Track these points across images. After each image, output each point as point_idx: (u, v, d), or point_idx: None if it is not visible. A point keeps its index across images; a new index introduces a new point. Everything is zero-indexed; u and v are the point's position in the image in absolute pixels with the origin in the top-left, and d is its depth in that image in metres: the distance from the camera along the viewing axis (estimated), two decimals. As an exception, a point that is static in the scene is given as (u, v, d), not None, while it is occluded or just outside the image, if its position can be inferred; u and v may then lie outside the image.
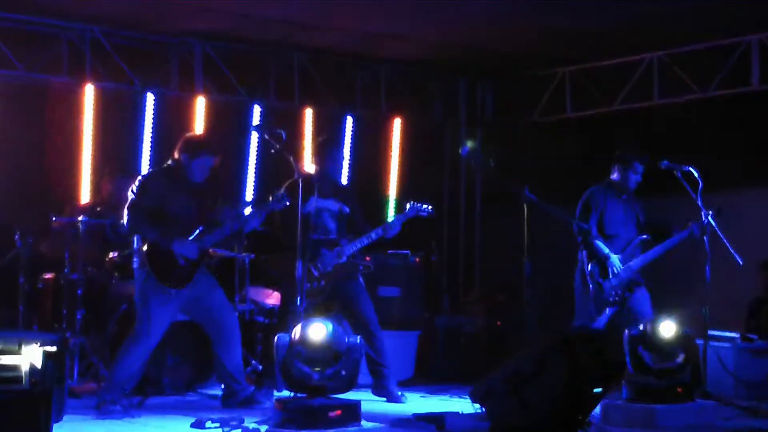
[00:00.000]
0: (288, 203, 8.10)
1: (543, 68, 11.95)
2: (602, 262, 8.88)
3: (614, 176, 9.17)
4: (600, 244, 8.89)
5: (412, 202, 8.93)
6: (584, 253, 8.97)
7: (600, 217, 9.05)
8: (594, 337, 6.92)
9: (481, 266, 12.57)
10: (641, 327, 7.84)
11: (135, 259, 8.11)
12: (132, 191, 8.03)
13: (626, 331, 7.80)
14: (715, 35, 10.42)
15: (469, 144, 8.51)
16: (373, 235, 8.75)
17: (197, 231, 8.00)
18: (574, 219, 8.89)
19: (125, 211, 8.01)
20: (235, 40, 10.94)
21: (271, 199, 8.24)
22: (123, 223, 8.43)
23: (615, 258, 8.89)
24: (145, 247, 7.95)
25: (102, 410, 7.72)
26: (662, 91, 11.02)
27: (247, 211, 8.45)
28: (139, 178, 8.21)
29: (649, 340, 7.76)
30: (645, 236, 9.04)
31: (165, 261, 7.92)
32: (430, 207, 8.97)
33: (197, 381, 8.85)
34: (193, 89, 10.99)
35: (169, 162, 8.24)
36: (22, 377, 5.69)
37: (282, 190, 8.40)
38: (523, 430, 6.47)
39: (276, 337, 6.91)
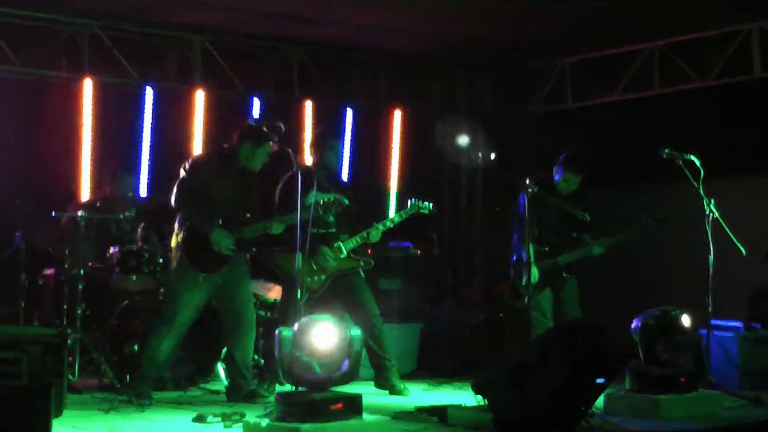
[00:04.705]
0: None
1: (543, 59, 11.92)
2: None
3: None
4: None
5: (413, 199, 8.88)
6: None
7: None
8: (594, 327, 6.89)
9: (482, 258, 12.54)
10: (659, 317, 7.77)
11: (172, 239, 8.17)
12: (183, 169, 8.10)
13: (639, 321, 7.75)
14: (715, 23, 10.39)
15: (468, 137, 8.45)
16: (374, 233, 8.70)
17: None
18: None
19: (174, 189, 8.08)
20: (233, 33, 10.91)
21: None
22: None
23: None
24: (182, 233, 8.01)
25: (136, 404, 7.67)
26: (662, 80, 11.00)
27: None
28: (192, 158, 8.39)
29: (667, 330, 7.71)
30: None
31: (200, 246, 7.95)
32: (431, 204, 8.91)
33: (199, 376, 8.82)
34: (192, 83, 10.97)
35: (223, 147, 8.24)
36: (21, 373, 5.67)
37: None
38: (525, 422, 6.45)
39: (276, 332, 6.85)
